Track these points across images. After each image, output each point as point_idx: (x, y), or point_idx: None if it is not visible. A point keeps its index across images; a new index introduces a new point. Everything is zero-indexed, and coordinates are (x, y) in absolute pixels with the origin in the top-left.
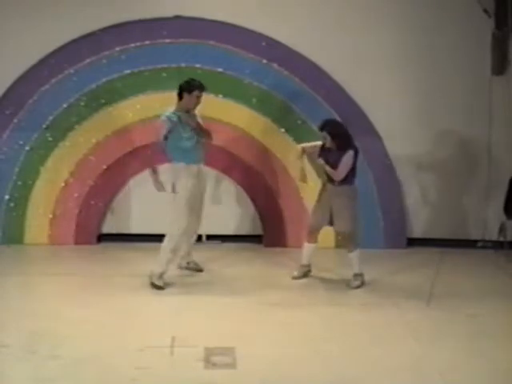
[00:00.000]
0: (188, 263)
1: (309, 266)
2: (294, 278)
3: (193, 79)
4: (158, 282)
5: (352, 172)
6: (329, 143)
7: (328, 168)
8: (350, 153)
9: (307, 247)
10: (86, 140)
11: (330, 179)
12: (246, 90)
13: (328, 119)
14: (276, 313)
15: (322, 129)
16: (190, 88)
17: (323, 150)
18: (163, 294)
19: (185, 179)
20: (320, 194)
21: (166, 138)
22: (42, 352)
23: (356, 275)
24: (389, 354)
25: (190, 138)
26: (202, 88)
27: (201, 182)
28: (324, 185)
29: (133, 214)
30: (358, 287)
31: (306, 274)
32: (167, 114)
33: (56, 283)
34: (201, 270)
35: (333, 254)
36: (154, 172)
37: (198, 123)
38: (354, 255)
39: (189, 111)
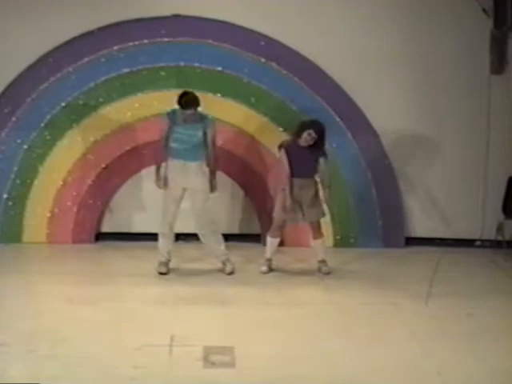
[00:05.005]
0: None
1: (271, 259)
2: (263, 272)
3: (188, 94)
4: (159, 269)
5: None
6: (307, 141)
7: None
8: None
9: (273, 242)
10: (84, 139)
11: (303, 175)
12: (245, 89)
13: (318, 120)
14: (275, 312)
15: (311, 127)
16: (181, 105)
17: (292, 146)
18: (162, 293)
19: (168, 176)
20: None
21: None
22: (40, 351)
23: (323, 261)
24: (388, 354)
25: (179, 140)
26: (191, 106)
27: (188, 179)
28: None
29: (131, 212)
30: (329, 273)
31: (271, 268)
32: (168, 110)
33: (54, 282)
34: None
35: (332, 253)
36: (157, 169)
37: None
38: (322, 242)
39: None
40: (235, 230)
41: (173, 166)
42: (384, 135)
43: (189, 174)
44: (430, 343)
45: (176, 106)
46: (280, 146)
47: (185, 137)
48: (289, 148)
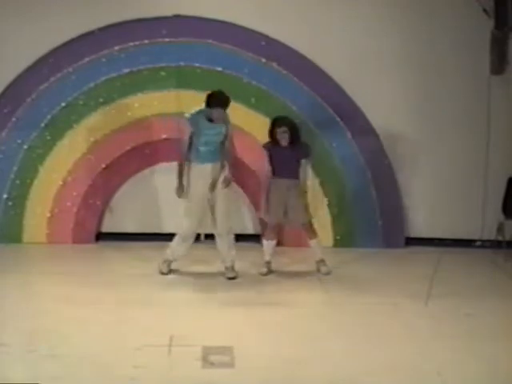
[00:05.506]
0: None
1: (270, 262)
2: (263, 274)
3: (220, 93)
4: (161, 268)
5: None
6: (284, 138)
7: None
8: (308, 163)
9: (270, 244)
10: (84, 139)
11: (287, 175)
12: (245, 89)
13: (285, 116)
14: (274, 312)
15: (281, 123)
16: (210, 104)
17: (275, 147)
18: (161, 293)
19: (194, 180)
20: (273, 191)
21: (190, 138)
22: (40, 351)
23: (322, 261)
24: (387, 354)
25: (206, 144)
26: (222, 105)
27: (214, 180)
28: (276, 181)
29: (131, 213)
30: (328, 273)
31: (271, 270)
32: (189, 114)
33: (54, 282)
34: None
35: (331, 253)
36: (181, 176)
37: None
38: (317, 242)
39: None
40: (234, 230)
41: (200, 171)
42: (384, 135)
43: (216, 176)
44: (430, 343)
45: (194, 110)
46: (264, 146)
47: (212, 137)
48: (272, 148)
